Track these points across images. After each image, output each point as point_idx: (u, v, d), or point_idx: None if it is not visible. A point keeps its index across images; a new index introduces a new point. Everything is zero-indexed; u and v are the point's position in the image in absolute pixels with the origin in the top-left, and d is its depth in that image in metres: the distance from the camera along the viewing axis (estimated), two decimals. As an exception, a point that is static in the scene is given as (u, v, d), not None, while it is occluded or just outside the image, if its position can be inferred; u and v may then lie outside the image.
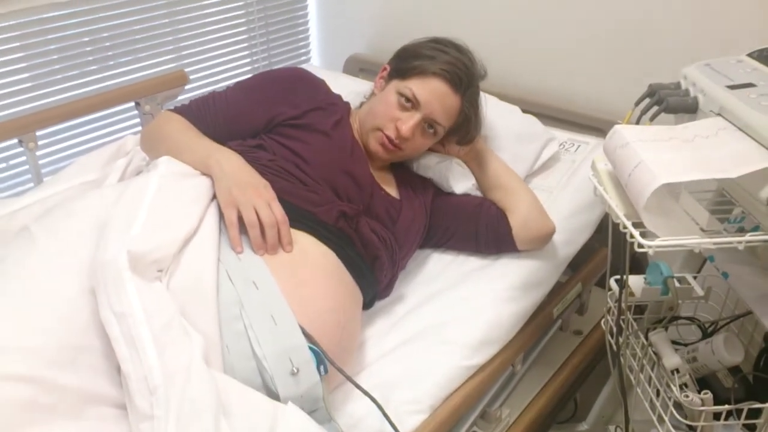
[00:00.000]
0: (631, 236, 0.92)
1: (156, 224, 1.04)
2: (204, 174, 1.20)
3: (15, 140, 1.54)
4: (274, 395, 0.98)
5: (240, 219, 1.13)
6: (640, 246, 0.91)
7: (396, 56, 1.47)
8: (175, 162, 1.19)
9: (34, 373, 0.87)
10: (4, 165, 1.71)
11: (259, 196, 1.14)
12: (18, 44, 1.67)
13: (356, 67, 2.21)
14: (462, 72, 1.38)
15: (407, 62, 1.40)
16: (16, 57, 1.67)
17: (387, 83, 1.43)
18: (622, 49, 1.76)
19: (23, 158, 1.65)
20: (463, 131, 1.45)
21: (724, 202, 1.06)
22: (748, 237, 0.91)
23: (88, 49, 1.80)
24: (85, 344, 0.93)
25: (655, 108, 1.04)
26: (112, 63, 1.86)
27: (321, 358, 1.02)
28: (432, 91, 1.36)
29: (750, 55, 1.10)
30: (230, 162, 1.20)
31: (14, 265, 1.00)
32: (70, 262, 1.00)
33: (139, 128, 1.80)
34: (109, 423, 0.92)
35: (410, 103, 1.36)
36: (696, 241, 0.92)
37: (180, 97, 1.82)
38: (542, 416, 1.40)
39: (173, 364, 0.90)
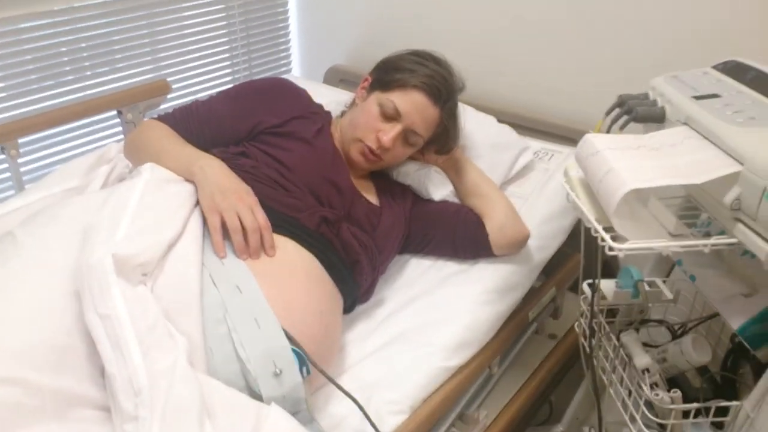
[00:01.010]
0: (602, 240, 0.95)
1: (141, 229, 1.05)
2: (188, 180, 1.21)
3: (-3, 147, 1.54)
4: (257, 396, 0.99)
5: (223, 224, 1.14)
6: (611, 249, 0.93)
7: (377, 68, 1.50)
8: (159, 168, 1.20)
9: (18, 375, 0.88)
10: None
11: (241, 201, 1.16)
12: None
13: (336, 77, 2.23)
14: (441, 85, 1.42)
15: (388, 74, 1.43)
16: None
17: (368, 94, 1.46)
18: (593, 61, 1.80)
19: (5, 165, 1.65)
20: (441, 141, 1.48)
21: (691, 207, 1.09)
22: (713, 240, 0.94)
23: (65, 59, 1.80)
24: (69, 346, 0.94)
25: (625, 117, 1.07)
26: (89, 73, 1.86)
27: (303, 359, 1.03)
28: (412, 103, 1.39)
29: (715, 67, 1.14)
30: (213, 168, 1.22)
31: (-2, 269, 1.00)
32: (54, 266, 1.00)
33: (122, 136, 1.80)
34: (93, 425, 0.92)
35: (391, 114, 1.39)
36: (664, 244, 0.96)
37: (162, 106, 1.84)
38: (518, 418, 1.43)
39: (158, 366, 0.91)
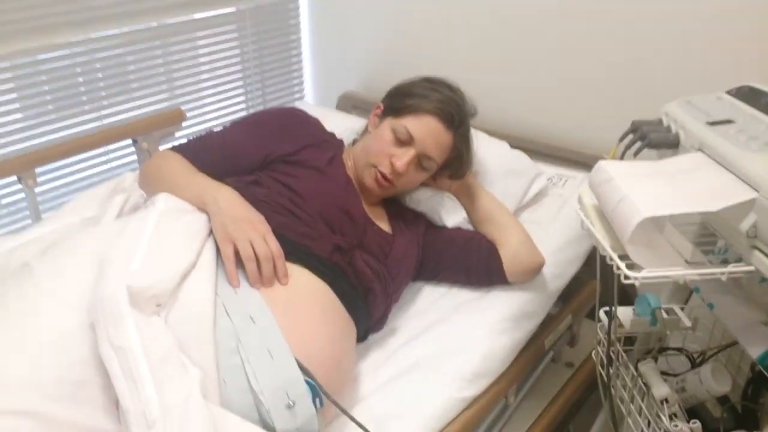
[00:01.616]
0: (618, 268, 0.94)
1: (155, 260, 1.05)
2: (201, 210, 1.21)
3: (14, 177, 1.56)
4: (270, 429, 0.99)
5: (236, 253, 1.14)
6: (627, 278, 0.92)
7: (389, 95, 1.51)
8: (173, 198, 1.21)
9: (34, 408, 0.88)
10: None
11: (254, 230, 1.16)
12: (12, 85, 1.69)
13: (349, 104, 2.25)
14: (454, 110, 1.42)
15: (401, 101, 1.44)
16: (10, 98, 1.69)
17: (381, 121, 1.47)
18: (607, 86, 1.80)
19: (22, 195, 1.67)
20: (455, 166, 1.49)
21: (708, 234, 1.07)
22: (730, 268, 0.92)
23: (81, 89, 1.82)
24: (84, 379, 0.94)
25: (639, 144, 1.07)
26: (106, 103, 1.88)
27: (317, 391, 1.03)
28: (426, 128, 1.40)
29: (728, 92, 1.13)
30: (226, 197, 1.22)
31: (15, 300, 1.01)
32: (70, 298, 1.01)
33: (137, 165, 1.82)
34: (107, 457, 0.92)
35: (405, 139, 1.40)
36: (680, 272, 0.94)
37: (177, 135, 1.85)
38: (536, 448, 1.41)
39: (171, 398, 0.90)
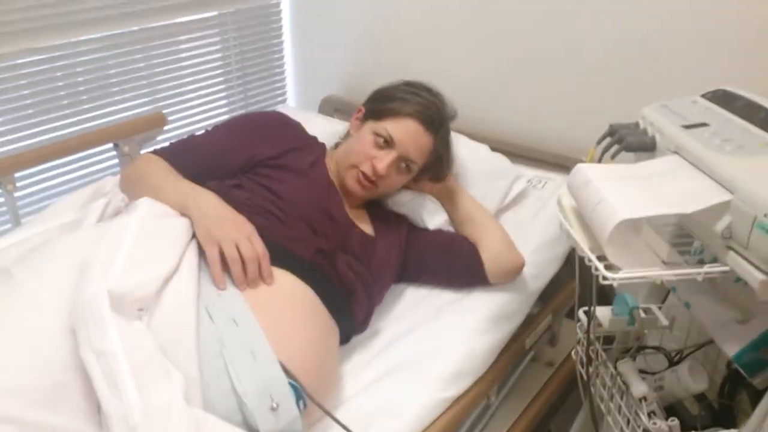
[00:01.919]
0: (596, 269, 0.95)
1: (136, 264, 1.05)
2: (183, 215, 1.21)
3: (-7, 182, 1.55)
4: (254, 431, 0.99)
5: (221, 255, 1.14)
6: (605, 278, 0.94)
7: (371, 98, 1.52)
8: (156, 203, 1.20)
9: (14, 414, 0.87)
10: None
11: (239, 231, 1.17)
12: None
13: (331, 107, 2.25)
14: (434, 113, 1.44)
15: (382, 104, 1.45)
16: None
17: (362, 124, 1.48)
18: (585, 90, 1.82)
19: (1, 200, 1.65)
20: (435, 169, 1.50)
21: (684, 235, 1.09)
22: (706, 269, 0.94)
23: (62, 93, 1.81)
24: (64, 383, 0.93)
25: (616, 147, 1.08)
26: (87, 107, 1.87)
27: (300, 393, 1.03)
28: (406, 131, 1.41)
29: (704, 96, 1.15)
30: (208, 201, 1.22)
31: (-6, 305, 1.00)
32: (50, 302, 1.00)
33: (118, 169, 1.81)
34: (89, 462, 0.91)
35: (386, 142, 1.41)
36: (657, 273, 0.96)
37: (158, 138, 1.85)
38: (518, 447, 1.43)
39: (154, 403, 0.90)
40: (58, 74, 1.80)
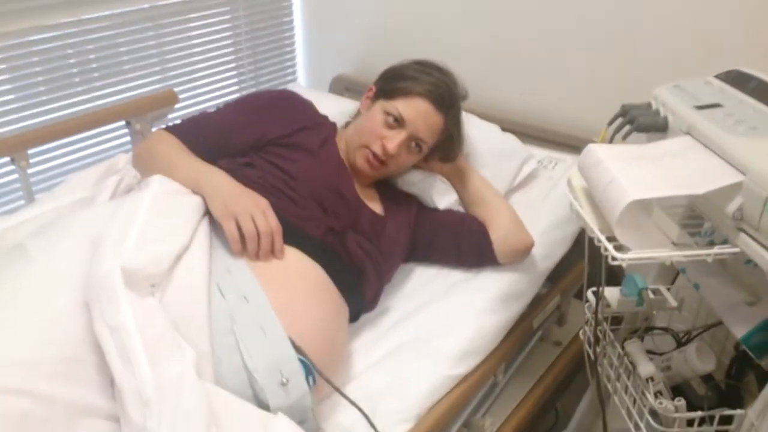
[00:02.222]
0: (605, 249, 0.95)
1: (149, 240, 1.06)
2: (195, 192, 1.22)
3: (7, 158, 1.56)
4: (264, 406, 1.00)
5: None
6: (614, 259, 0.93)
7: (381, 78, 1.51)
8: (168, 180, 1.21)
9: (29, 387, 0.88)
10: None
11: (255, 205, 1.17)
12: (4, 66, 1.68)
13: (342, 86, 2.25)
14: (445, 92, 1.43)
15: (393, 83, 1.45)
16: (2, 78, 1.68)
17: (373, 103, 1.48)
18: (597, 70, 1.81)
19: (15, 176, 1.66)
20: (446, 149, 1.50)
21: (695, 216, 1.08)
22: (716, 250, 0.94)
23: (74, 71, 1.82)
24: (79, 358, 0.94)
25: (628, 127, 1.08)
26: (98, 84, 1.87)
27: (310, 369, 1.04)
28: (417, 110, 1.41)
29: (717, 76, 1.14)
30: (220, 178, 1.23)
31: (9, 280, 1.02)
32: (64, 278, 1.01)
33: (130, 147, 1.82)
34: (102, 435, 0.93)
35: (396, 121, 1.41)
36: (666, 254, 0.96)
37: (169, 117, 1.85)
38: (524, 425, 1.43)
39: (166, 377, 0.91)
40: (70, 51, 1.80)
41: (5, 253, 1.12)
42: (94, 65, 1.86)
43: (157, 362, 0.92)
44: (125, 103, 1.81)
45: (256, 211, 1.16)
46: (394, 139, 1.40)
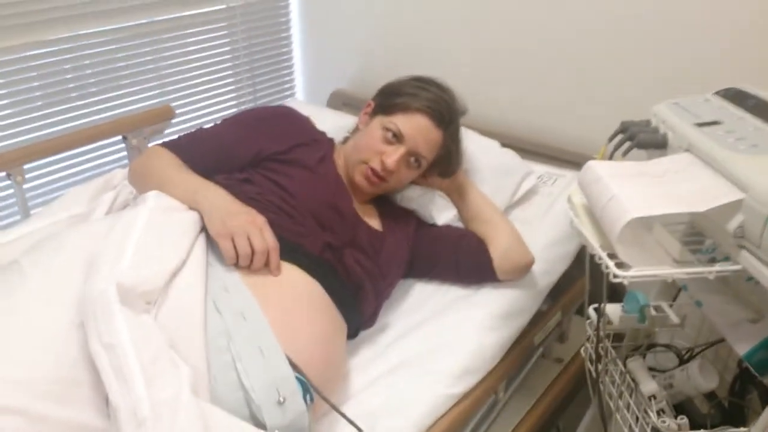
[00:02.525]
0: (606, 267, 0.95)
1: (145, 257, 1.05)
2: (192, 208, 1.21)
3: (3, 174, 1.55)
4: (261, 425, 0.99)
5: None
6: (615, 276, 0.93)
7: (380, 93, 1.51)
8: (164, 196, 1.21)
9: (23, 406, 0.88)
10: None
11: (252, 224, 1.16)
12: (2, 81, 1.68)
13: (340, 101, 2.24)
14: (444, 108, 1.43)
15: (391, 99, 1.44)
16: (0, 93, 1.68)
17: (371, 119, 1.47)
18: (597, 87, 1.81)
19: (11, 191, 1.66)
20: (444, 164, 1.49)
21: (696, 233, 1.08)
22: (717, 268, 0.93)
23: (71, 86, 1.82)
24: (74, 377, 0.93)
25: (627, 144, 1.08)
26: (95, 99, 1.87)
27: (307, 387, 1.03)
28: (416, 126, 1.40)
29: (717, 93, 1.14)
30: (218, 195, 1.22)
31: (3, 298, 1.01)
32: (59, 296, 1.00)
33: (126, 162, 1.81)
34: (98, 454, 0.91)
35: (395, 137, 1.40)
36: (668, 272, 0.95)
37: (166, 132, 1.85)
38: (526, 443, 1.42)
39: (161, 396, 0.90)
40: (67, 66, 1.80)
41: (0, 270, 1.11)
42: (91, 80, 1.86)
43: (152, 381, 0.91)
44: (122, 118, 1.81)
45: (252, 229, 1.15)
46: (392, 155, 1.39)
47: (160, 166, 1.32)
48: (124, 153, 1.83)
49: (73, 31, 1.78)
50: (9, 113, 1.71)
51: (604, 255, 0.97)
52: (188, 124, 2.13)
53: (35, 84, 1.74)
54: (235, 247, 1.14)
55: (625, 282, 0.93)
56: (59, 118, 1.81)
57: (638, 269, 0.93)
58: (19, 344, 0.94)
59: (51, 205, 1.45)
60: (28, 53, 1.71)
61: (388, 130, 1.40)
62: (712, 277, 0.94)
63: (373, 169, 1.40)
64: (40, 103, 1.76)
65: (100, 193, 1.44)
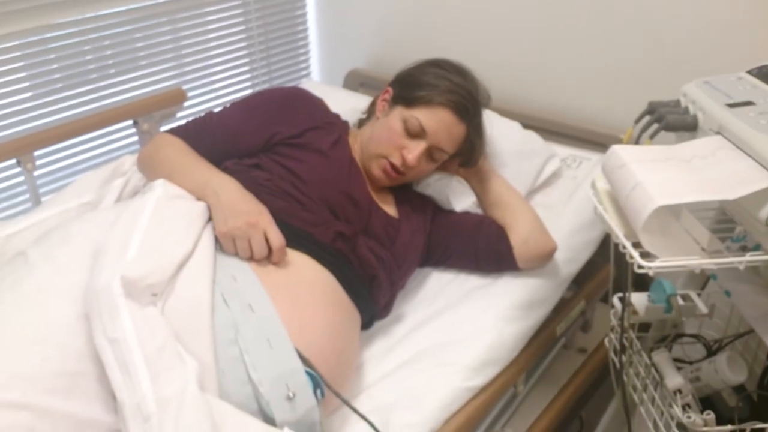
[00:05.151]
0: (631, 257, 0.91)
1: (151, 248, 1.03)
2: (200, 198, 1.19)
3: (13, 161, 1.54)
4: (270, 420, 0.97)
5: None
6: (640, 267, 0.90)
7: (399, 81, 1.46)
8: (171, 185, 1.19)
9: (30, 400, 0.87)
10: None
11: (254, 226, 1.13)
12: (21, 64, 1.67)
13: (356, 81, 2.20)
14: (467, 101, 1.38)
15: (412, 90, 1.39)
16: (20, 77, 1.67)
17: (391, 108, 1.42)
18: (623, 64, 1.75)
19: (21, 179, 1.65)
20: (466, 155, 1.46)
21: (726, 220, 1.05)
22: (748, 257, 0.90)
23: (90, 67, 1.80)
24: (80, 371, 0.93)
25: (655, 126, 1.03)
26: (114, 81, 1.86)
27: (317, 381, 1.01)
28: (439, 121, 1.36)
29: (750, 72, 1.10)
30: (226, 190, 1.19)
31: (10, 290, 1.00)
32: (66, 288, 0.99)
33: (137, 146, 1.80)
34: (104, 449, 0.91)
35: (416, 132, 1.36)
36: (695, 262, 0.91)
37: (179, 114, 1.83)
38: (547, 436, 1.39)
39: (167, 390, 0.89)
40: (87, 48, 1.78)
41: (8, 261, 1.11)
42: (110, 61, 1.85)
43: (158, 375, 0.91)
44: (132, 102, 1.79)
45: (254, 233, 1.12)
46: (413, 151, 1.35)
47: (169, 155, 1.30)
48: (135, 138, 1.81)
49: (87, 13, 1.75)
50: (28, 96, 1.70)
51: (628, 244, 0.93)
52: (204, 106, 2.12)
53: (55, 66, 1.73)
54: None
55: (651, 272, 0.89)
56: (76, 101, 1.79)
57: (663, 260, 0.90)
58: (25, 338, 0.93)
59: (61, 193, 1.43)
60: (47, 35, 1.69)
61: (408, 124, 1.36)
62: (742, 266, 0.90)
63: (393, 164, 1.36)
64: (60, 85, 1.75)
65: (110, 180, 1.43)
